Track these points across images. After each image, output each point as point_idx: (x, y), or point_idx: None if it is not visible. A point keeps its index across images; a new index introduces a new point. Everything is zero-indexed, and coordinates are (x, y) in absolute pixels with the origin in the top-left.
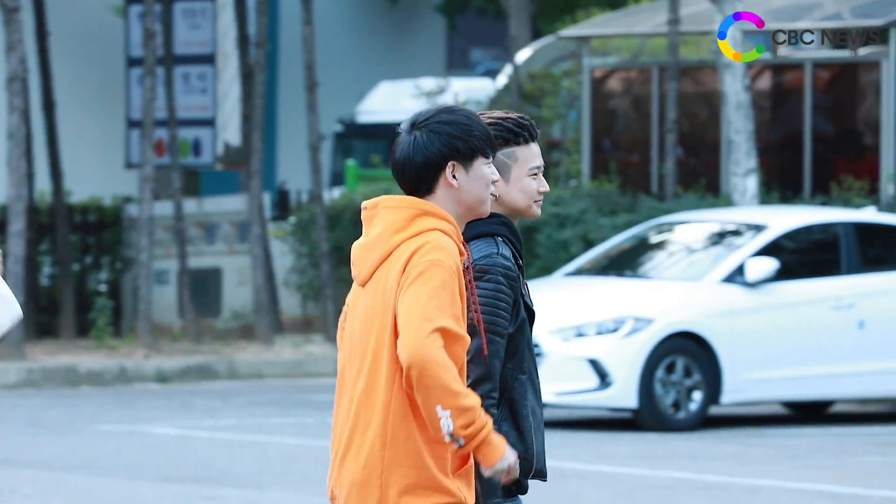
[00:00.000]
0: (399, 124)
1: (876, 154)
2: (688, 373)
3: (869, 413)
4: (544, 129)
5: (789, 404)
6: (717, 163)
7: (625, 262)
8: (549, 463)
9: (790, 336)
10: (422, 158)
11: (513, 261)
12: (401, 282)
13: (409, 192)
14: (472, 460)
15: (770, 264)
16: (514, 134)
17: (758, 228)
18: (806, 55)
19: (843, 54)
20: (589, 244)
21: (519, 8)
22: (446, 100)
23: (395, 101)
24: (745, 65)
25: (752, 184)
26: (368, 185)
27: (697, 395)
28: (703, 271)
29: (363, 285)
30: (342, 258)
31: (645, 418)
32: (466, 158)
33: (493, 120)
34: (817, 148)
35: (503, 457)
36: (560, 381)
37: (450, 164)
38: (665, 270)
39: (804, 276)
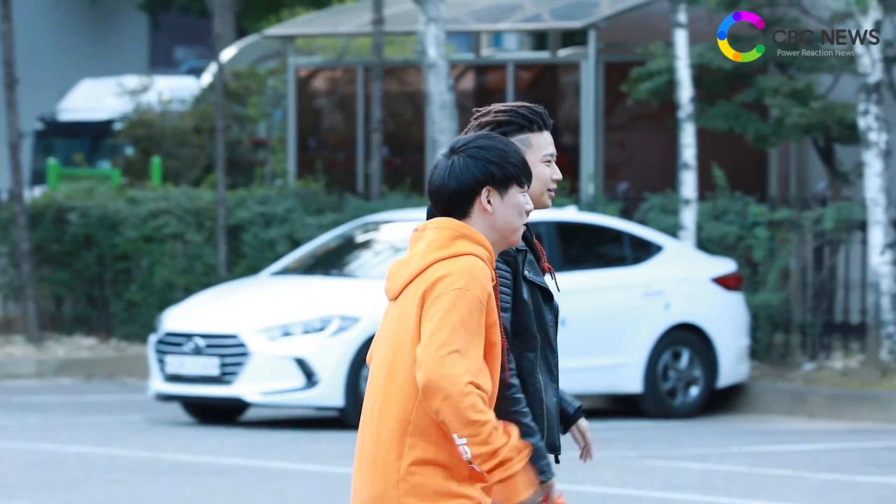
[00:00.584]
0: (101, 122)
1: (576, 154)
2: None
3: None
4: (250, 129)
5: None
6: (423, 162)
7: (331, 262)
8: (256, 462)
9: None
10: (456, 183)
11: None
12: (426, 304)
13: (444, 215)
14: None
15: None
16: (529, 121)
17: None
18: (507, 56)
19: (543, 55)
20: (295, 243)
21: (223, 6)
22: (150, 98)
23: (97, 100)
24: (449, 65)
25: None
26: (70, 183)
27: None
28: None
29: (393, 300)
30: (43, 258)
31: (351, 417)
32: (502, 185)
33: (507, 108)
34: None
35: (520, 497)
36: (266, 380)
37: (485, 189)
38: (371, 269)
39: None
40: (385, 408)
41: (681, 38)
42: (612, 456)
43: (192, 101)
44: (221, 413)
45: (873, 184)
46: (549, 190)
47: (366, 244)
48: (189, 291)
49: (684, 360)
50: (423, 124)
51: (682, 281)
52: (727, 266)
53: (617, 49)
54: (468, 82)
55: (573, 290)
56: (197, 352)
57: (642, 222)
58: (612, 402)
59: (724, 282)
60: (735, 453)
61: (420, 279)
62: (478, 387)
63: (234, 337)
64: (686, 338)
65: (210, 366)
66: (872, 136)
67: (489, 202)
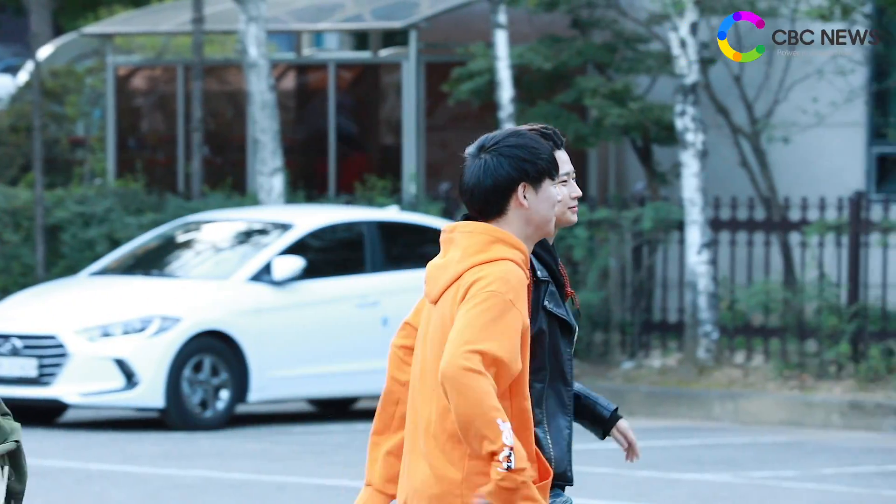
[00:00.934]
0: None
1: (398, 154)
2: (215, 371)
3: None
4: (68, 128)
5: (315, 401)
6: (244, 162)
7: (152, 261)
8: (75, 464)
9: (316, 334)
10: (492, 181)
11: (532, 269)
12: (460, 306)
13: (477, 214)
14: (551, 477)
15: (296, 263)
16: None
17: (284, 227)
18: (329, 56)
19: (364, 55)
20: (115, 243)
21: (39, 4)
22: None
23: None
24: (270, 64)
25: (278, 183)
26: None
27: (225, 394)
28: (230, 270)
29: (434, 303)
30: None
31: (172, 418)
32: (535, 180)
33: None
34: (341, 147)
35: None
36: (86, 381)
37: (521, 185)
38: (193, 269)
39: (330, 275)
40: (442, 410)
41: (501, 39)
42: None
43: (8, 100)
44: (40, 414)
45: (690, 184)
46: (570, 208)
47: (187, 244)
48: (6, 292)
49: None
50: (244, 123)
51: None
52: None
53: (438, 49)
54: (289, 82)
55: (395, 289)
56: (14, 353)
57: None
58: None
59: None
60: None
61: (457, 284)
62: (494, 388)
63: (52, 338)
64: None
65: (28, 367)
66: (689, 137)
67: (525, 197)
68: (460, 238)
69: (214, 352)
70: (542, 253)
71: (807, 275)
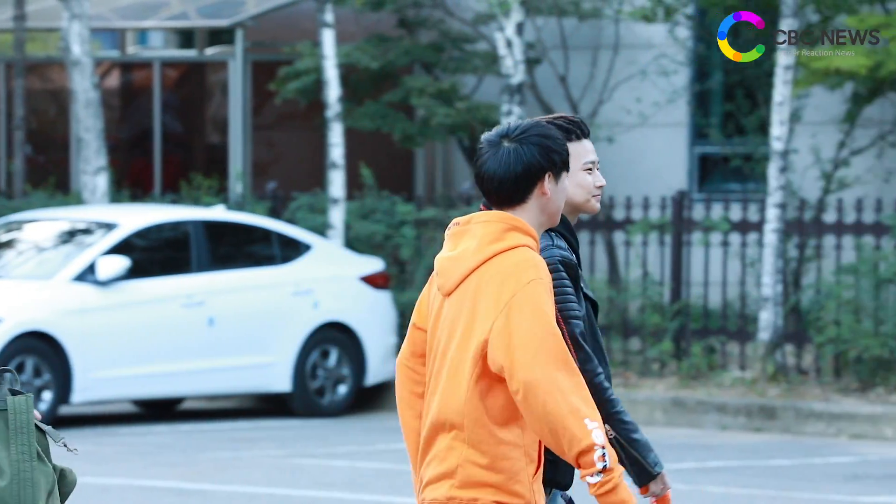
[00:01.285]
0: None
1: (224, 153)
2: (38, 373)
3: (218, 409)
4: None
5: (140, 402)
6: (67, 161)
7: None
8: None
9: (141, 334)
10: (522, 168)
11: (570, 251)
12: (504, 302)
13: (501, 202)
14: (542, 463)
15: (121, 263)
16: (567, 131)
17: (108, 227)
18: (154, 54)
19: (190, 54)
20: None
21: None
22: None
23: None
24: (94, 62)
25: (102, 182)
26: None
27: (47, 395)
28: (53, 270)
29: (448, 295)
30: None
31: None
32: (559, 170)
33: (546, 122)
34: (167, 146)
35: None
36: None
37: (547, 174)
38: (14, 269)
39: (155, 275)
40: (452, 401)
41: (328, 38)
42: (260, 455)
43: None
44: None
45: None
46: (593, 196)
47: (8, 244)
48: None
49: (333, 358)
50: (68, 122)
51: (331, 280)
52: (375, 265)
53: (264, 48)
54: (114, 80)
55: (222, 289)
56: None
57: (291, 221)
58: (261, 402)
59: (372, 280)
60: (383, 450)
61: (480, 274)
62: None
63: None
64: (334, 336)
65: None
66: None
67: (547, 187)
68: (477, 228)
69: (37, 353)
70: (569, 236)
71: (631, 273)
